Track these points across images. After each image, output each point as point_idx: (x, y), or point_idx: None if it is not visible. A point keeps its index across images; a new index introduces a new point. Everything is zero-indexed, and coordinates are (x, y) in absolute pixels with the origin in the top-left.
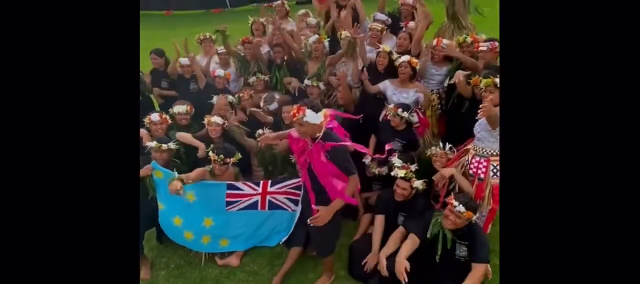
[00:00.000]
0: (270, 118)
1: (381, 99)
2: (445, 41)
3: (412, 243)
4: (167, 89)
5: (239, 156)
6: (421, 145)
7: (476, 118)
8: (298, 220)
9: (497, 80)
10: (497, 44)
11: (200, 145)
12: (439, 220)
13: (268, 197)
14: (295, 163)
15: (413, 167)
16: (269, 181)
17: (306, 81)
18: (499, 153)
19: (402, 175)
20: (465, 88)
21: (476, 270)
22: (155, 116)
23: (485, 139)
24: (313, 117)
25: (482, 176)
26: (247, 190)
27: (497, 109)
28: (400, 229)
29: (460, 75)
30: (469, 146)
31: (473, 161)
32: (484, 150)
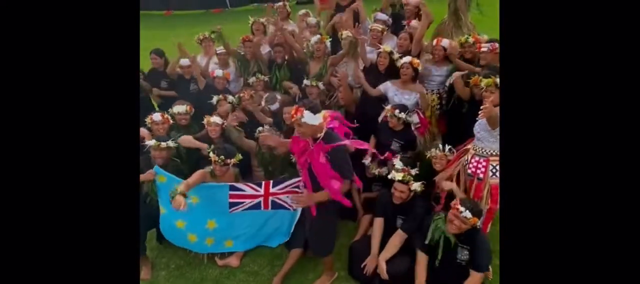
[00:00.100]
0: (269, 119)
1: (382, 100)
2: (445, 41)
3: (399, 240)
4: (166, 89)
5: (240, 156)
6: (419, 145)
7: (477, 119)
8: (298, 221)
9: (498, 80)
10: (497, 45)
11: (204, 145)
12: (439, 225)
13: (271, 198)
14: (295, 163)
15: (413, 171)
16: (271, 182)
17: (305, 81)
18: (498, 153)
19: (400, 178)
20: (463, 90)
21: (473, 278)
22: (157, 116)
23: (485, 139)
24: (311, 119)
25: (481, 175)
26: (249, 191)
27: (497, 109)
28: (399, 232)
29: (456, 76)
30: (469, 146)
31: (472, 160)
32: (483, 150)
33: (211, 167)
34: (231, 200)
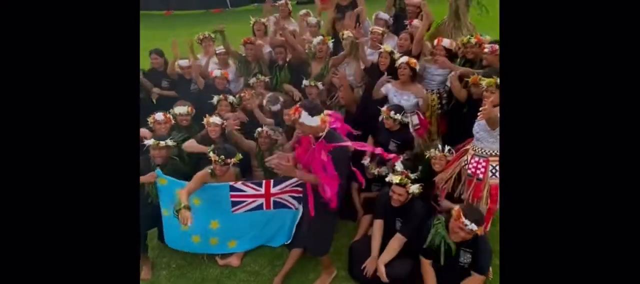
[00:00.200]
0: (270, 120)
1: (383, 100)
2: (445, 41)
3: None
4: (167, 89)
5: (240, 156)
6: (417, 145)
7: (477, 119)
8: (299, 221)
9: (498, 80)
10: (497, 47)
11: (206, 149)
12: (439, 230)
13: (272, 198)
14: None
15: (413, 176)
16: (271, 181)
17: (304, 82)
18: (498, 153)
19: (397, 181)
20: (459, 91)
21: (474, 279)
22: (159, 115)
23: (485, 140)
24: (308, 120)
25: (480, 176)
26: (249, 191)
27: (497, 109)
28: (398, 236)
29: (452, 78)
30: (468, 146)
31: (472, 161)
32: (483, 150)
33: (211, 167)
34: (233, 199)
